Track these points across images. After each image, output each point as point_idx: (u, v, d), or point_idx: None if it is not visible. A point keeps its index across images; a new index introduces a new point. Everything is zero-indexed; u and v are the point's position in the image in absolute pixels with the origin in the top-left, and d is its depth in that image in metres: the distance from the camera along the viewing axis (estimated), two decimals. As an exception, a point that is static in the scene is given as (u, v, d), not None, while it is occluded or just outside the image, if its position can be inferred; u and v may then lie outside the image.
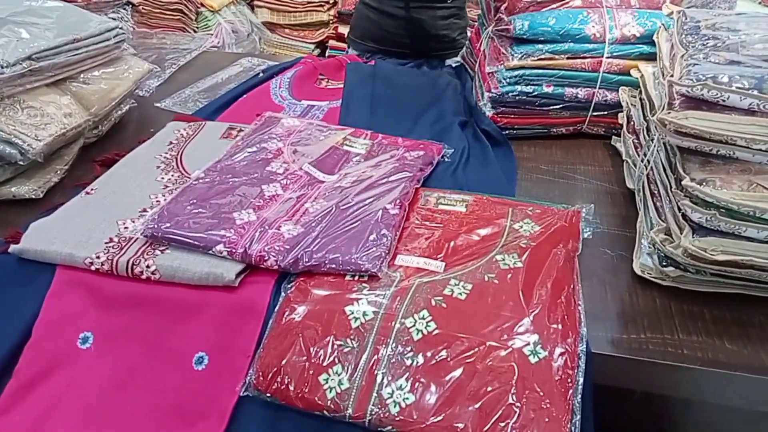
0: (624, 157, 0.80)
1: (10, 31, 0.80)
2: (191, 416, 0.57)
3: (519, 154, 0.92)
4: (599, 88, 0.88)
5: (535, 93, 0.88)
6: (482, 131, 0.90)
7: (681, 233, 0.55)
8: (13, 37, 0.79)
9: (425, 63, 1.32)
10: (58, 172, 0.83)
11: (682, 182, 0.54)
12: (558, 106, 0.90)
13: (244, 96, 1.09)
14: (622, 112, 0.84)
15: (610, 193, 0.79)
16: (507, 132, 0.93)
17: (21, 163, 0.75)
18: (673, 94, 0.59)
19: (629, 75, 0.84)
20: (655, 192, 0.64)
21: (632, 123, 0.78)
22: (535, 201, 0.72)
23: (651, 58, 0.81)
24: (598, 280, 0.63)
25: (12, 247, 0.66)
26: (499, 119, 0.92)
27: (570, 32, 0.85)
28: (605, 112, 0.90)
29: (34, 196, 0.78)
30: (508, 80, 0.88)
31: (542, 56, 0.86)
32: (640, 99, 0.75)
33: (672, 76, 0.62)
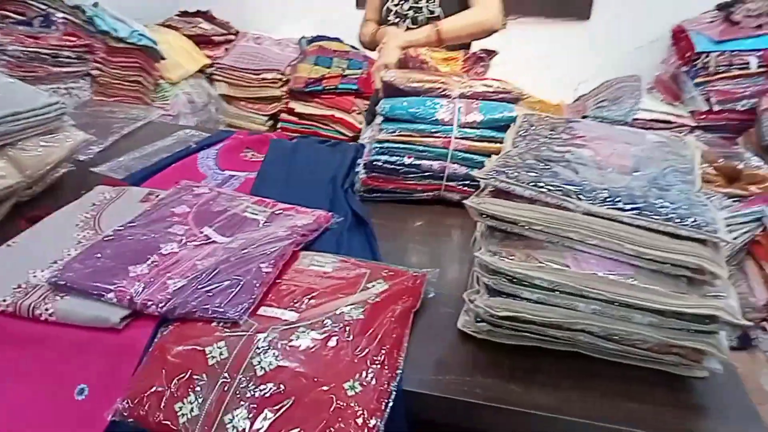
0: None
1: (-43, 104, 0.94)
2: (67, 440, 0.67)
3: (403, 225, 1.07)
4: (450, 162, 1.09)
5: (398, 162, 1.10)
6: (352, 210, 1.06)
7: (480, 295, 0.69)
8: (-41, 109, 0.93)
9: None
10: (-12, 226, 0.94)
11: (477, 255, 0.68)
12: (417, 175, 1.11)
13: (173, 165, 1.23)
14: (472, 182, 1.05)
15: (464, 261, 0.93)
16: (377, 195, 1.13)
17: (-47, 217, 0.87)
18: (484, 183, 0.74)
19: (474, 153, 1.07)
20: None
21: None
22: (393, 265, 0.86)
23: (491, 140, 1.05)
24: (430, 332, 0.76)
25: (-71, 290, 0.76)
26: (370, 182, 1.13)
27: (423, 115, 1.08)
28: (457, 183, 1.11)
29: (-37, 246, 0.89)
30: (376, 150, 1.10)
31: (402, 132, 1.09)
32: (486, 184, 0.91)
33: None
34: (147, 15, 2.55)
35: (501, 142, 1.06)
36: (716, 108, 2.38)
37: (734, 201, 2.12)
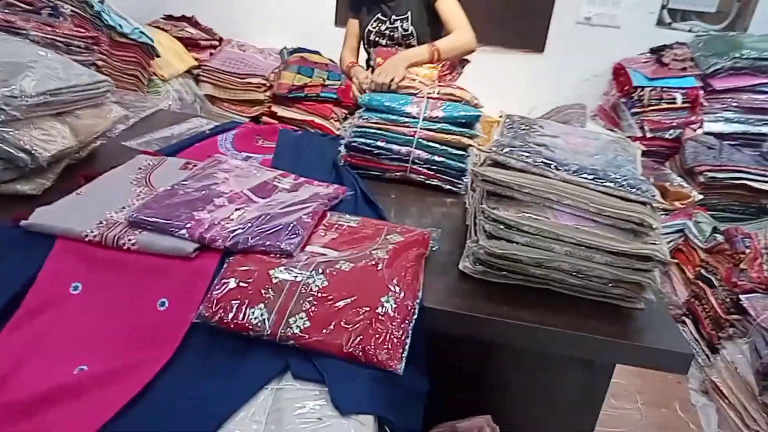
0: (467, 205, 1.17)
1: (31, 72, 1.07)
2: (152, 341, 0.82)
3: (409, 204, 1.28)
4: (414, 147, 1.33)
5: (372, 145, 1.34)
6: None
7: (480, 238, 0.91)
8: (34, 77, 1.07)
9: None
10: (50, 179, 1.08)
11: (482, 206, 0.90)
12: (387, 157, 1.35)
13: (197, 144, 1.39)
14: (432, 166, 1.33)
15: (457, 228, 1.15)
16: (355, 171, 1.34)
17: (30, 167, 1.00)
18: (485, 157, 0.97)
19: (435, 142, 1.32)
20: (475, 219, 1.00)
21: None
22: (405, 226, 1.06)
23: (449, 133, 1.31)
24: (437, 273, 0.97)
25: (23, 222, 0.90)
26: (349, 159, 1.37)
27: (396, 108, 1.35)
28: (420, 166, 1.35)
29: (32, 193, 1.03)
30: (356, 133, 1.35)
31: (378, 120, 1.36)
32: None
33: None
34: (131, 16, 2.66)
35: (458, 135, 1.33)
36: (649, 135, 2.74)
37: (661, 215, 2.46)
